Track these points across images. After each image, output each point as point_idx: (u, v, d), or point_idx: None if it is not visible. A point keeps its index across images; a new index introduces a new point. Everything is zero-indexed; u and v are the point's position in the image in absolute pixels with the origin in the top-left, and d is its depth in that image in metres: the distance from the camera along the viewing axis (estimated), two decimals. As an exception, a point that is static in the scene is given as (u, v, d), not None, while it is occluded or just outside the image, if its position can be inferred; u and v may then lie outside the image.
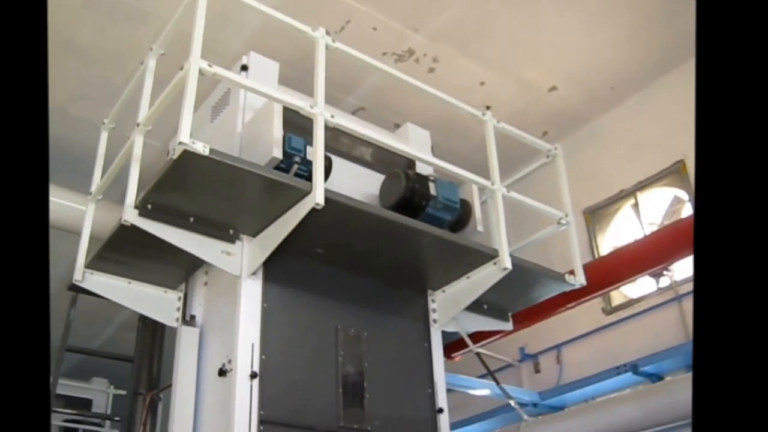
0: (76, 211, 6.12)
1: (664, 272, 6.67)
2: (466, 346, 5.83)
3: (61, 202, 6.30)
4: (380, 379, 4.31)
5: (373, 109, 7.70)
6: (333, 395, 4.06)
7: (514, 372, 8.27)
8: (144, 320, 4.81)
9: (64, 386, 9.51)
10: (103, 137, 4.96)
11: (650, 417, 5.58)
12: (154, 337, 4.73)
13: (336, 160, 4.70)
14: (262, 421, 3.69)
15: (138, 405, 4.78)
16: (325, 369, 4.12)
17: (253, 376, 3.77)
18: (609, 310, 7.52)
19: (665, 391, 5.55)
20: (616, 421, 5.90)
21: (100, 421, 9.58)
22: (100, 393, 9.96)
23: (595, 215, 8.09)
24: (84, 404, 9.79)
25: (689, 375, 5.41)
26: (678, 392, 5.32)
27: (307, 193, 3.72)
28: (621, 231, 7.77)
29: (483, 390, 7.11)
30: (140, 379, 4.77)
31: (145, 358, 4.81)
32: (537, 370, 8.05)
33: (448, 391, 7.54)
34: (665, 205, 7.32)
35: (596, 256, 7.72)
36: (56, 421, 9.16)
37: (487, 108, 7.55)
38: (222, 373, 3.89)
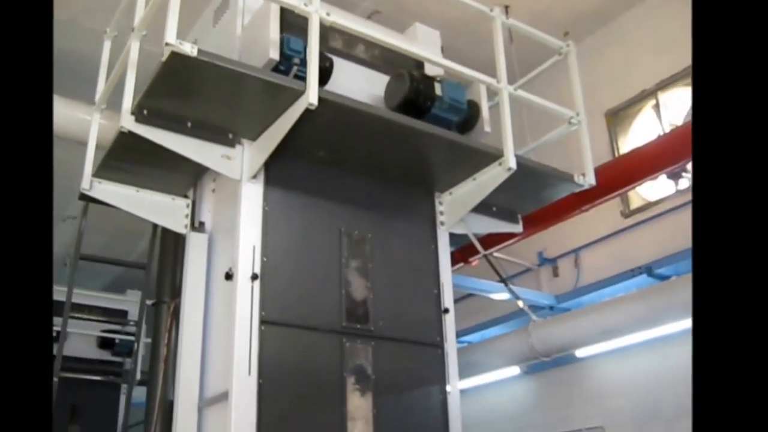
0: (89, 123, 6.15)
1: (683, 174, 6.53)
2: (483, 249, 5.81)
3: (79, 116, 6.30)
4: (385, 280, 4.33)
5: (390, 12, 7.49)
6: (336, 296, 4.10)
7: (534, 276, 8.30)
8: (156, 228, 4.84)
9: (101, 299, 9.89)
10: (106, 46, 4.93)
11: (655, 316, 5.59)
12: (177, 245, 4.74)
13: (344, 63, 4.62)
14: (263, 322, 3.76)
15: (162, 313, 4.86)
16: (329, 271, 4.15)
17: (253, 278, 3.82)
18: (627, 213, 7.43)
19: (668, 290, 5.53)
20: (621, 319, 5.94)
21: (134, 330, 9.90)
22: (135, 304, 10.25)
23: (617, 117, 7.90)
24: (120, 315, 10.12)
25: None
26: (680, 291, 5.30)
27: (301, 93, 3.66)
28: (642, 132, 7.58)
29: (500, 294, 7.14)
30: (163, 287, 4.81)
31: (167, 266, 4.84)
32: (556, 274, 8.05)
33: (469, 295, 7.67)
34: (687, 105, 7.11)
35: (617, 158, 7.57)
36: (94, 331, 9.51)
37: (506, 7, 7.39)
38: (228, 276, 3.93)
